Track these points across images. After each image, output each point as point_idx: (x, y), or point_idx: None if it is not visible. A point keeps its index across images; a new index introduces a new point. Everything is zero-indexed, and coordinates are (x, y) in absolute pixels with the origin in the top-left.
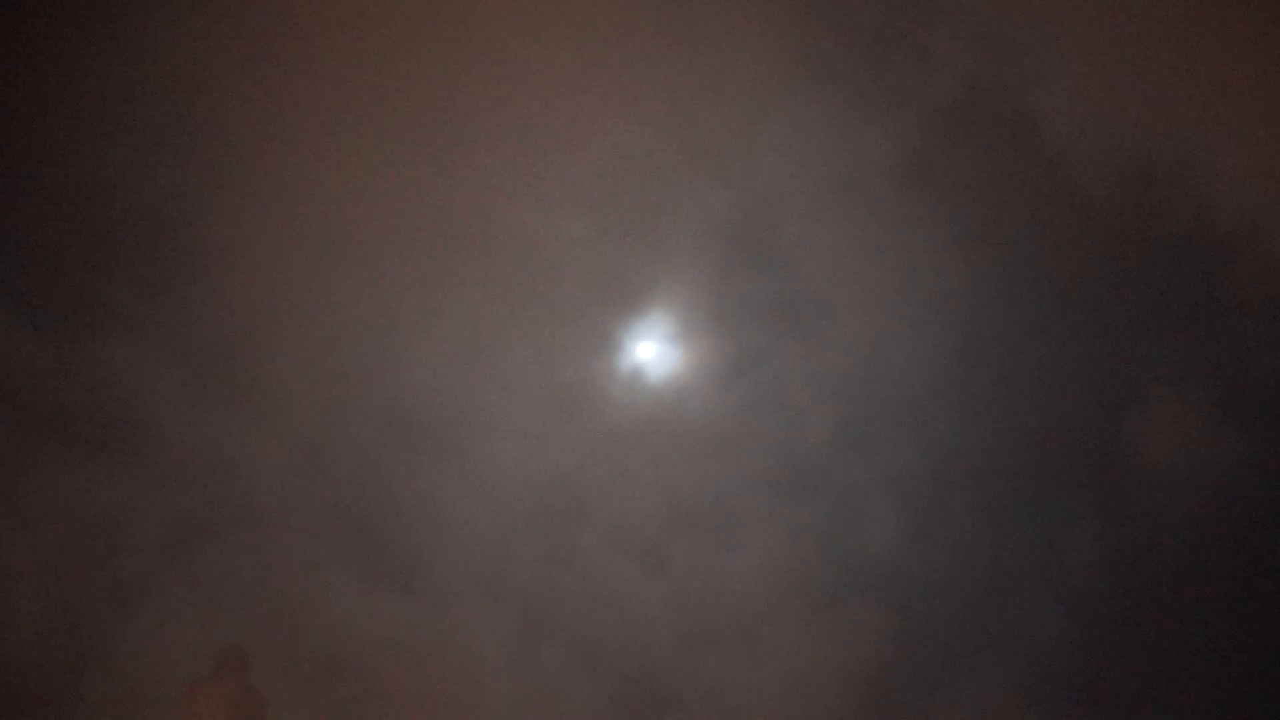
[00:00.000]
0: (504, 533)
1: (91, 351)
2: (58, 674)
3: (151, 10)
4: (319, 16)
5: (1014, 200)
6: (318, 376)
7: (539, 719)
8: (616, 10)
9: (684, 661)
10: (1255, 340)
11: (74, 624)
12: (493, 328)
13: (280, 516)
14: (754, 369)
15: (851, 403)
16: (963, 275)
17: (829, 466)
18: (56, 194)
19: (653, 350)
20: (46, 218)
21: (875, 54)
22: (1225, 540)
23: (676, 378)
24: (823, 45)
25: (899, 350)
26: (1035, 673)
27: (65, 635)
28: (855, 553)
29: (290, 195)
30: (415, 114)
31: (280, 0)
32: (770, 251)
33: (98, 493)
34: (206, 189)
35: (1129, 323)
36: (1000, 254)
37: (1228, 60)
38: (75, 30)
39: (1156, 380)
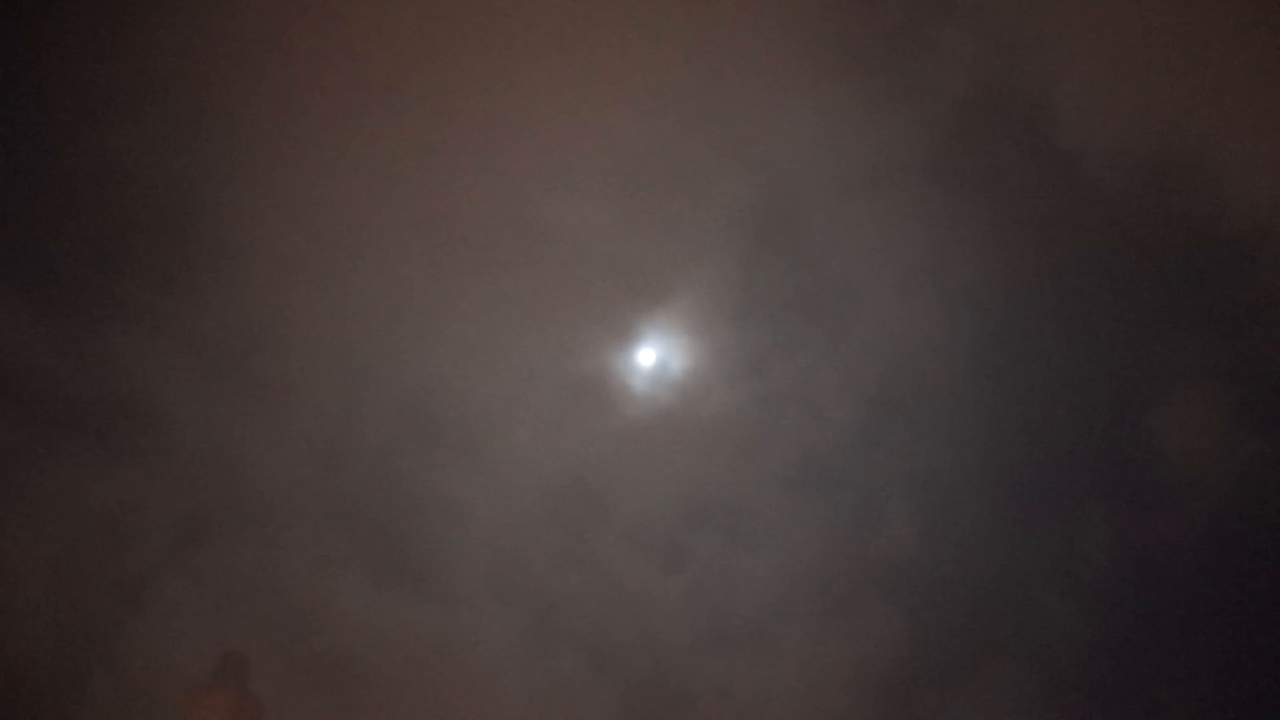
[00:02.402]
0: (518, 531)
1: (101, 345)
2: (64, 672)
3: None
4: (336, 8)
5: (1035, 196)
6: (332, 371)
7: (551, 718)
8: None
9: (697, 662)
10: (1274, 337)
11: (81, 622)
12: (511, 320)
13: (291, 514)
14: (776, 363)
15: (872, 399)
16: (986, 270)
17: (849, 464)
18: (67, 186)
19: (673, 344)
20: (57, 210)
21: (903, 46)
22: (1242, 540)
23: (697, 372)
24: (849, 37)
25: (920, 346)
26: (1050, 673)
27: (72, 633)
28: (873, 552)
29: (307, 187)
30: (434, 105)
31: None
32: (795, 243)
33: (106, 489)
34: (221, 181)
35: (1148, 320)
36: (1022, 250)
37: (1245, 58)
38: (89, 19)
39: (1175, 378)
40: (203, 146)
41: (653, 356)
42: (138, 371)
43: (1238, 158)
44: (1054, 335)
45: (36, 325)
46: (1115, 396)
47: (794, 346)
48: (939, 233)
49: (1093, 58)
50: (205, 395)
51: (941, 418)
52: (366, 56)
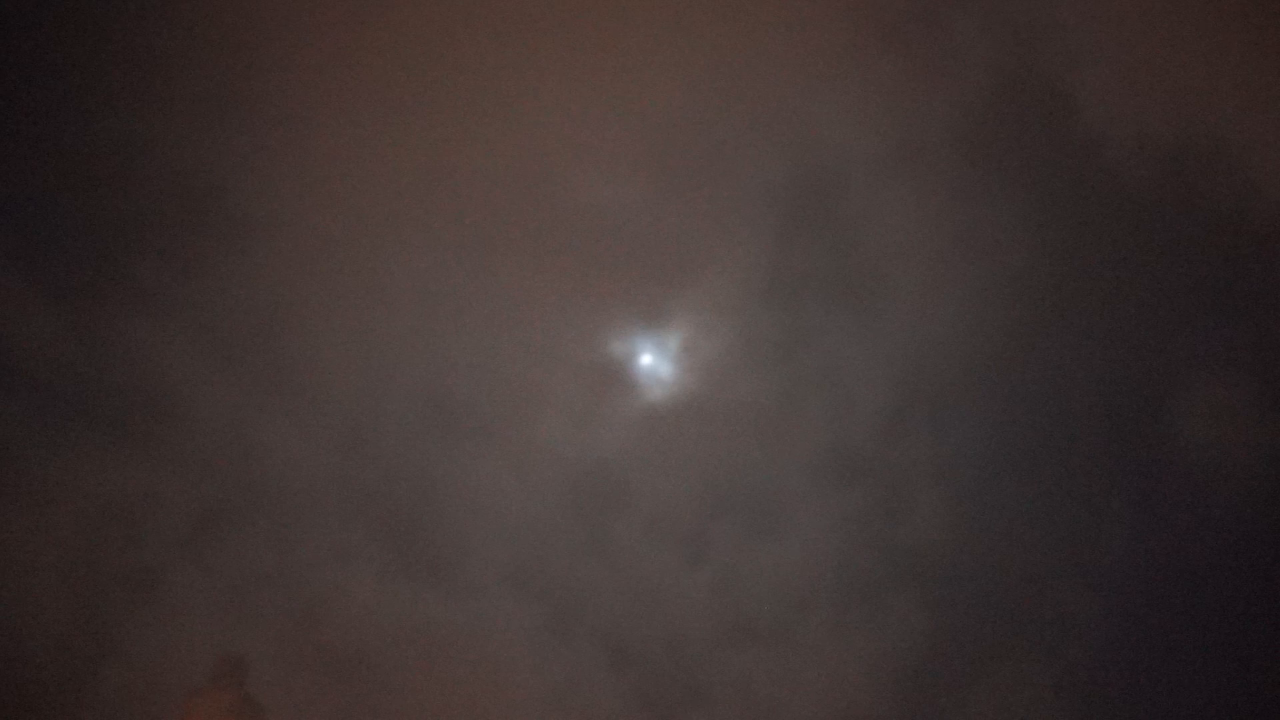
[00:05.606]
0: (539, 520)
1: (116, 331)
2: (75, 663)
3: None
4: None
5: (1063, 183)
6: (353, 355)
7: (566, 715)
8: None
9: (716, 655)
10: None
11: (92, 613)
12: (535, 304)
13: (308, 503)
14: (804, 348)
15: (901, 386)
16: (1012, 257)
17: (876, 452)
18: (83, 165)
19: (700, 328)
20: (72, 189)
21: (935, 26)
22: (1264, 534)
23: (724, 357)
24: (882, 17)
25: (947, 333)
26: (1070, 668)
27: (83, 624)
28: (896, 543)
29: (328, 166)
30: (460, 82)
31: None
32: (825, 225)
33: (120, 478)
34: (240, 165)
35: (1172, 309)
36: (1048, 238)
37: (1270, 45)
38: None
39: (1197, 368)
40: (223, 130)
41: (678, 341)
42: (153, 358)
43: (1263, 145)
44: (1078, 324)
45: (50, 311)
46: (1140, 385)
47: (823, 331)
48: (968, 215)
49: (1123, 42)
50: (222, 383)
51: (968, 405)
52: (391, 38)
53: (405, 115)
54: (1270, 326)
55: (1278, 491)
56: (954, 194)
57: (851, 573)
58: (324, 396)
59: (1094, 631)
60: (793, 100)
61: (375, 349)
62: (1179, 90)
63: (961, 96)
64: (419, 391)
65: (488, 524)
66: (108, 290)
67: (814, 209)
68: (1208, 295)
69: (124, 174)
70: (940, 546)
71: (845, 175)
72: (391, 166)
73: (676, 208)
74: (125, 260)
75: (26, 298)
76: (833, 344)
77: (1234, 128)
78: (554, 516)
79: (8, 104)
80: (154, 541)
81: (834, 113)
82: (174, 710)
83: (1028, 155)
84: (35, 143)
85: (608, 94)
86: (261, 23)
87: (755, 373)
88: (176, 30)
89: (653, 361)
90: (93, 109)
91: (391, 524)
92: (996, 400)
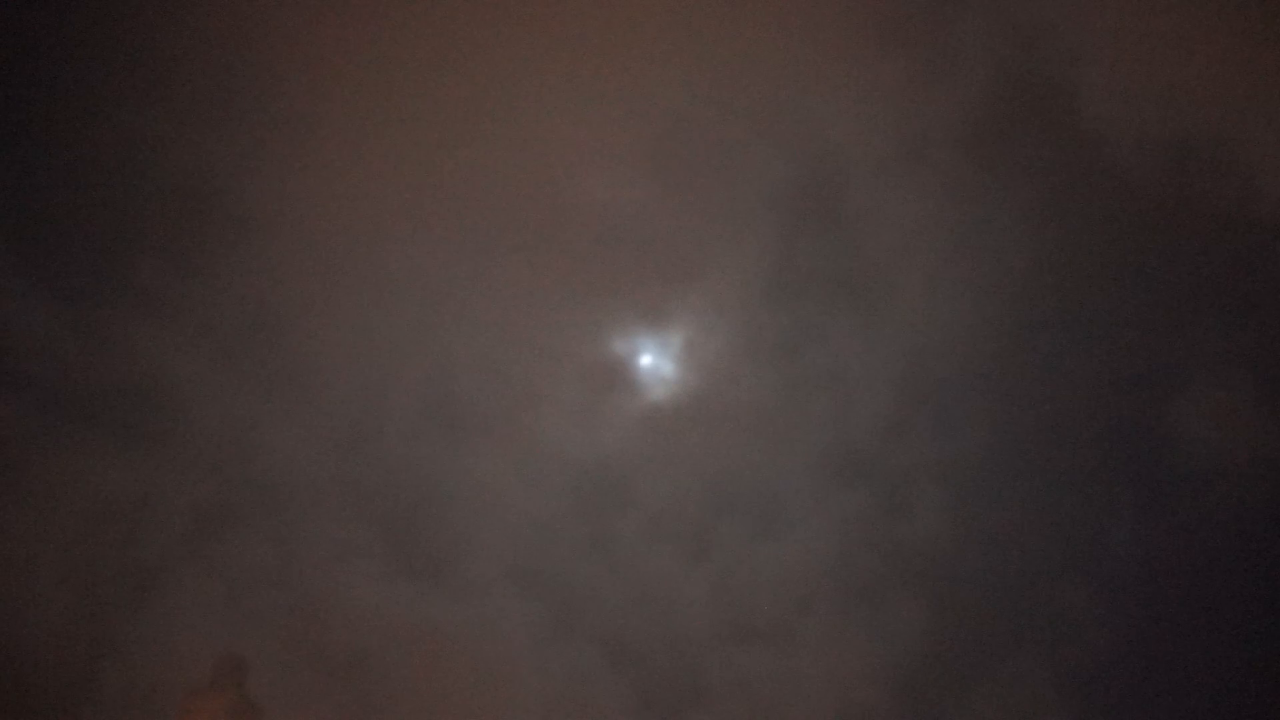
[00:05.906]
0: (541, 519)
1: (116, 330)
2: (75, 663)
3: None
4: None
5: (1065, 182)
6: (355, 354)
7: (567, 714)
8: None
9: (718, 654)
10: None
11: (92, 613)
12: (536, 302)
13: (309, 502)
14: (806, 347)
15: (903, 385)
16: (1014, 257)
17: (879, 451)
18: (83, 163)
19: (702, 327)
20: (72, 188)
21: (938, 24)
22: (1265, 534)
23: (726, 356)
24: (885, 14)
25: (951, 331)
26: (1070, 668)
27: (83, 624)
28: (899, 543)
29: (331, 166)
30: (462, 81)
31: None
32: (828, 224)
33: (120, 478)
34: (241, 163)
35: (1173, 308)
36: (1050, 237)
37: (1272, 43)
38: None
39: (1197, 368)
40: (223, 128)
41: (681, 340)
42: (153, 358)
43: (1266, 144)
44: (1080, 323)
45: (50, 311)
46: (1140, 385)
47: (825, 330)
48: (970, 214)
49: (1125, 40)
50: (223, 381)
51: (970, 405)
52: (393, 38)
53: (407, 114)
54: (1271, 326)
55: (1278, 491)
56: (957, 193)
57: (852, 572)
58: (325, 396)
59: (1094, 631)
60: (794, 99)
61: (377, 348)
62: (1182, 89)
63: (964, 95)
64: (421, 390)
65: (489, 523)
66: (108, 290)
67: (816, 208)
68: (1209, 295)
69: (124, 174)
70: (941, 546)
71: (848, 174)
72: (393, 166)
73: (679, 207)
74: (125, 260)
75: (27, 298)
76: (835, 343)
77: (1237, 126)
78: (556, 515)
79: (8, 104)
80: (154, 541)
81: (836, 112)
82: (174, 710)
83: (1031, 154)
84: (36, 142)
85: (609, 94)
86: (262, 22)
87: (757, 372)
88: (176, 30)
89: (655, 361)
90: (93, 109)
91: (393, 523)
92: (998, 400)
